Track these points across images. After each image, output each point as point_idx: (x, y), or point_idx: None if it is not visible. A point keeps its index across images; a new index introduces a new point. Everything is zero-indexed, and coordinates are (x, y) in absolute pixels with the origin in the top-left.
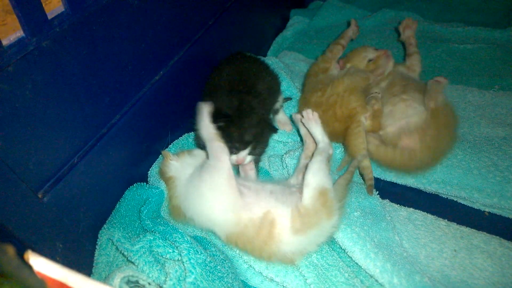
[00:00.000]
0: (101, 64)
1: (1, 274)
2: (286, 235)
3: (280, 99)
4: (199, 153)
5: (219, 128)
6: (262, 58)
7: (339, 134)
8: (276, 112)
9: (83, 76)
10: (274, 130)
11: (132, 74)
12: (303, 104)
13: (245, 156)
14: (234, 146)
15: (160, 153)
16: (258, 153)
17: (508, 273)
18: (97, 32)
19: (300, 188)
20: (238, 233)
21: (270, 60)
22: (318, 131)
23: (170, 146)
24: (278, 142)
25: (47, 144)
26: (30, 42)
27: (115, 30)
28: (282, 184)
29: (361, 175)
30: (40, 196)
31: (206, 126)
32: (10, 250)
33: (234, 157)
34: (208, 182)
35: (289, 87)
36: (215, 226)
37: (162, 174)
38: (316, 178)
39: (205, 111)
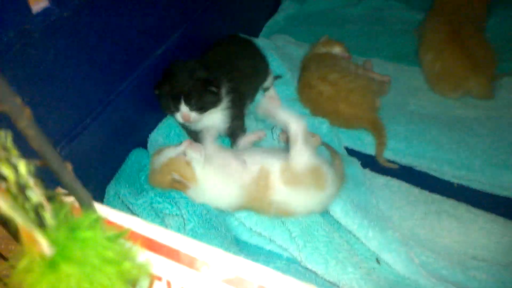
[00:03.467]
0: (113, 35)
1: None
2: (278, 184)
3: (270, 78)
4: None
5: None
6: (254, 40)
7: (340, 115)
8: (266, 89)
9: (97, 45)
10: (208, 81)
11: (137, 46)
12: (315, 77)
13: (187, 111)
14: (170, 104)
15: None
16: (198, 107)
17: (473, 235)
18: (112, 6)
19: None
20: (248, 197)
21: (261, 41)
22: (281, 113)
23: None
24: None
25: (65, 104)
26: (54, 12)
27: (127, 6)
28: (273, 149)
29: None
30: (58, 150)
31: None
32: (69, 166)
33: (178, 115)
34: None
35: (279, 66)
36: (233, 203)
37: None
38: (303, 163)
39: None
